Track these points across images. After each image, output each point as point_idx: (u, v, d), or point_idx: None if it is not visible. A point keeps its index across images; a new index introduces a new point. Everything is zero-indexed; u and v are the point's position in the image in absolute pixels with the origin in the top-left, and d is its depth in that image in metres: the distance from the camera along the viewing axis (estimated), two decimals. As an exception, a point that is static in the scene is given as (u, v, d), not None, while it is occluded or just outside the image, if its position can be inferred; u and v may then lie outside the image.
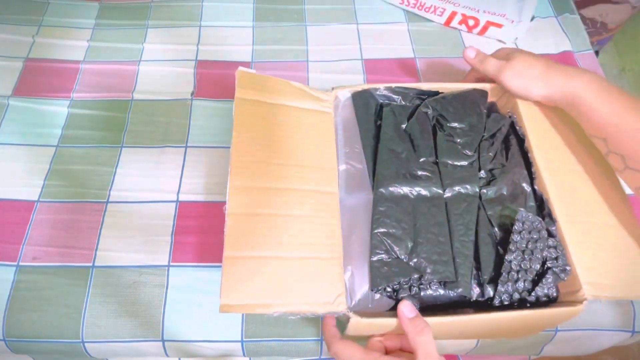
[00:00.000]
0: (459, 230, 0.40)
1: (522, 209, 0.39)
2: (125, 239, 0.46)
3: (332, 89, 0.46)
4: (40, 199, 0.48)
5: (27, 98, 0.56)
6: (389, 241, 0.38)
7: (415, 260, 0.38)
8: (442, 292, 0.38)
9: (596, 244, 0.38)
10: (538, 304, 0.37)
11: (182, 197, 0.49)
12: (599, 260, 0.37)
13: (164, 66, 0.59)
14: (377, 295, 0.37)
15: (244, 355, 0.43)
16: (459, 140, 0.44)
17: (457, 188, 0.42)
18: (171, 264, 0.45)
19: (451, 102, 0.45)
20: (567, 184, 0.40)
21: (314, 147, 0.41)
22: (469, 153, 0.43)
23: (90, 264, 0.45)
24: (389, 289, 0.38)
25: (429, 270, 0.38)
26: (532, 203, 0.41)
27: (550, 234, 0.38)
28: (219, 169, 0.50)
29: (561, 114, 0.44)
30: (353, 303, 0.37)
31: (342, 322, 0.36)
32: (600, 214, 0.39)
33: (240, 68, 0.42)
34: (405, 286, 0.38)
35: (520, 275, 0.37)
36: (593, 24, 0.98)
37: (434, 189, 0.42)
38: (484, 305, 0.38)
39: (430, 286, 0.38)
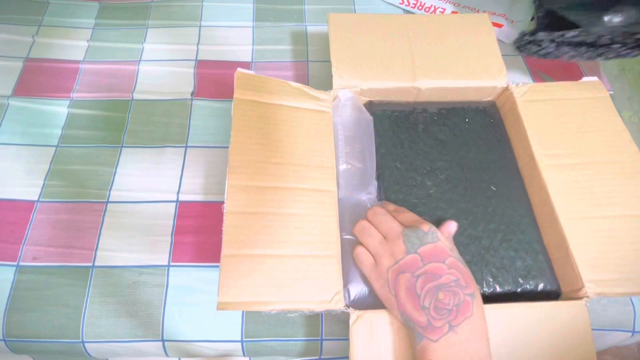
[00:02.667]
0: None
1: None
2: (125, 239, 0.46)
3: (332, 89, 0.46)
4: (40, 199, 0.48)
5: (27, 98, 0.56)
6: None
7: None
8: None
9: (600, 240, 0.38)
10: (539, 297, 0.37)
11: (182, 197, 0.49)
12: (603, 256, 0.37)
13: (164, 66, 0.59)
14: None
15: (244, 355, 0.43)
16: None
17: None
18: (171, 264, 0.45)
19: None
20: (568, 180, 0.40)
21: (312, 146, 0.41)
22: None
23: (90, 264, 0.45)
24: None
25: None
26: None
27: None
28: (218, 169, 0.50)
29: (562, 111, 0.44)
30: (350, 301, 0.37)
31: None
32: (603, 208, 0.39)
33: (239, 69, 0.42)
34: None
35: None
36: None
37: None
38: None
39: None
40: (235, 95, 0.41)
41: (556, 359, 0.34)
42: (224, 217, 0.36)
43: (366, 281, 0.37)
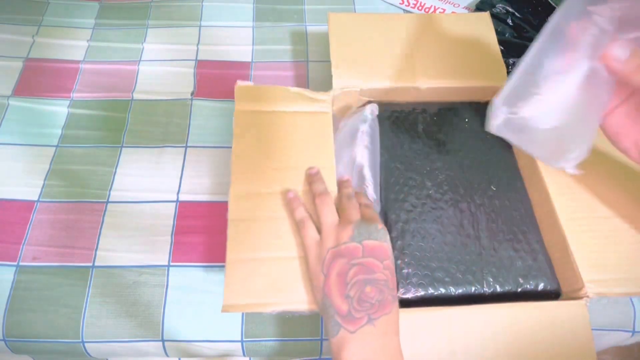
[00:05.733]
0: None
1: None
2: (125, 239, 0.46)
3: (332, 88, 0.46)
4: (40, 199, 0.48)
5: (27, 98, 0.56)
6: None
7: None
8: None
9: (600, 240, 0.38)
10: (539, 297, 0.37)
11: (182, 197, 0.49)
12: (603, 256, 0.37)
13: (164, 66, 0.59)
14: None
15: (244, 355, 0.43)
16: None
17: None
18: (171, 264, 0.45)
19: None
20: (568, 180, 0.40)
21: (311, 148, 0.42)
22: None
23: (90, 264, 0.45)
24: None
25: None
26: None
27: None
28: (218, 169, 0.50)
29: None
30: None
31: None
32: (603, 208, 0.39)
33: (239, 82, 0.44)
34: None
35: None
36: (593, 24, 0.98)
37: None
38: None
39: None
40: (236, 107, 0.43)
41: (556, 359, 0.34)
42: (228, 225, 0.37)
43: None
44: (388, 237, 0.35)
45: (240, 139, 0.41)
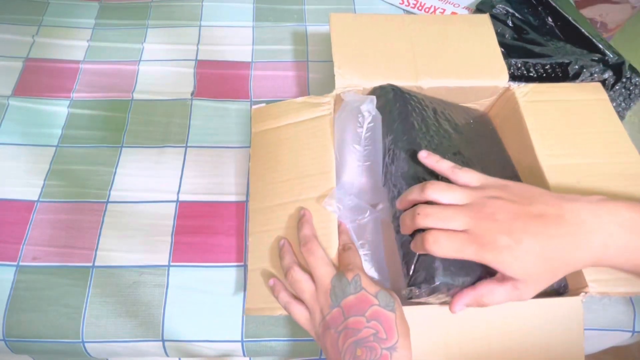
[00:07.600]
0: None
1: None
2: (125, 239, 0.46)
3: (335, 88, 0.46)
4: (40, 199, 0.48)
5: (27, 98, 0.56)
6: None
7: None
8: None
9: None
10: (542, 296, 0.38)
11: (182, 197, 0.49)
12: None
13: (164, 66, 0.59)
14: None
15: (244, 355, 0.43)
16: None
17: None
18: (171, 264, 0.45)
19: None
20: (571, 181, 0.40)
21: (312, 155, 0.43)
22: None
23: (90, 264, 0.45)
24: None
25: None
26: None
27: None
28: (218, 169, 0.50)
29: (563, 112, 0.44)
30: None
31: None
32: None
33: (254, 107, 0.47)
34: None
35: None
36: (593, 24, 0.98)
37: None
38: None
39: None
40: (252, 130, 0.46)
41: (546, 354, 0.35)
42: (248, 237, 0.41)
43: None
44: (361, 281, 0.33)
45: (255, 158, 0.45)
